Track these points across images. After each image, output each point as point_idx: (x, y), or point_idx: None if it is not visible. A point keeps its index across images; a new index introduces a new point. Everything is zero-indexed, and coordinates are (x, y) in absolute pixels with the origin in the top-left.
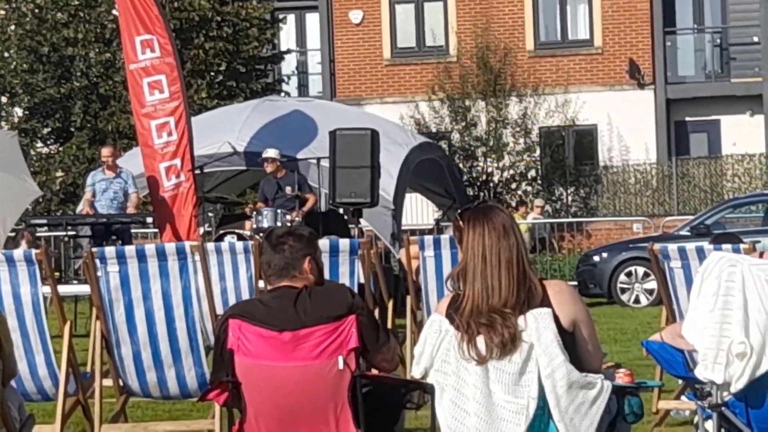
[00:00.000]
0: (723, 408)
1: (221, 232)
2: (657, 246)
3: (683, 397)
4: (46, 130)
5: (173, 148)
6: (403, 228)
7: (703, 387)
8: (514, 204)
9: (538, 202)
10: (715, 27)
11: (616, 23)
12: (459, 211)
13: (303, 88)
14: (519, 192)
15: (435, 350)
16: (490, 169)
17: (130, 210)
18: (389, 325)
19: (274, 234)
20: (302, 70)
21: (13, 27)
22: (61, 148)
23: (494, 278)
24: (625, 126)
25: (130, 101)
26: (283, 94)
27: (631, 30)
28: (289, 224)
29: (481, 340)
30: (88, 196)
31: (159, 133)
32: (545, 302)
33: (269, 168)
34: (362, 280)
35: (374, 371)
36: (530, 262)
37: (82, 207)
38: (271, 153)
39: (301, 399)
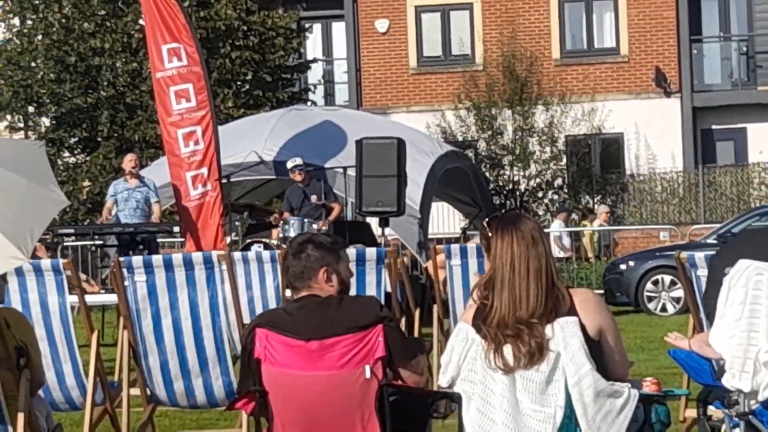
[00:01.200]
0: (750, 416)
1: (248, 241)
2: (684, 254)
3: (710, 406)
4: (73, 140)
5: (200, 157)
6: (429, 237)
7: (730, 395)
8: (539, 212)
9: (603, 208)
10: (742, 35)
11: (642, 31)
12: (487, 219)
13: (329, 97)
14: (545, 201)
15: (462, 359)
16: (516, 178)
17: (154, 220)
18: (416, 334)
19: (296, 240)
20: (328, 79)
21: (40, 37)
22: (88, 158)
23: (522, 289)
24: (652, 134)
25: (157, 110)
26: (309, 103)
27: (658, 38)
28: (293, 238)
29: (507, 350)
30: (109, 205)
31: (186, 142)
32: (572, 311)
33: (297, 177)
34: (389, 289)
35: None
36: (558, 271)
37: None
38: (297, 161)
39: (328, 408)
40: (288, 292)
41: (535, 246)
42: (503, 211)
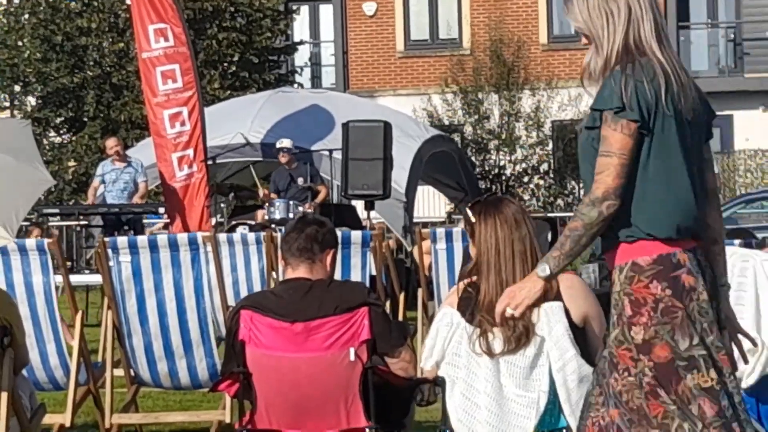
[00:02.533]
0: None
1: (233, 223)
2: None
3: None
4: (59, 120)
5: (186, 138)
6: (414, 220)
7: None
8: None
9: None
10: (729, 22)
11: None
12: (469, 204)
13: (316, 80)
14: (531, 185)
15: (446, 343)
16: (502, 163)
17: (136, 200)
18: (400, 318)
19: (308, 217)
20: (315, 62)
21: (26, 16)
22: (73, 138)
23: (508, 272)
24: None
25: (143, 91)
26: (296, 85)
27: None
28: (302, 215)
29: (493, 335)
30: (96, 185)
31: (172, 123)
32: (557, 296)
33: (283, 159)
34: (374, 273)
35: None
36: (542, 254)
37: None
38: (285, 143)
39: (312, 390)
40: (274, 274)
41: (518, 228)
42: (486, 195)
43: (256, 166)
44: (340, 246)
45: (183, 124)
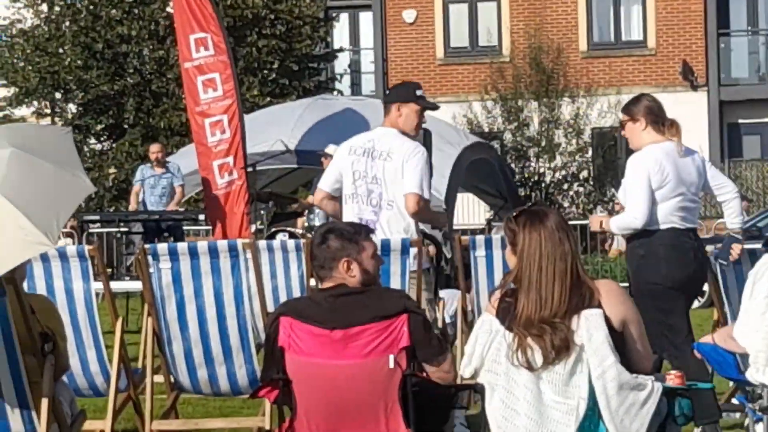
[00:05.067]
0: None
1: (273, 229)
2: (709, 248)
3: (734, 400)
4: (99, 127)
5: (226, 145)
6: (454, 228)
7: (754, 389)
8: (564, 204)
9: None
10: None
11: (669, 24)
12: (513, 213)
13: (356, 87)
14: (571, 193)
15: (486, 350)
16: (542, 170)
17: (172, 206)
18: (440, 324)
19: (320, 230)
20: (355, 69)
21: (67, 23)
22: (113, 145)
23: (548, 289)
24: None
25: (183, 99)
26: (335, 92)
27: (685, 31)
28: (319, 227)
29: (532, 349)
30: (136, 189)
31: (212, 131)
32: (596, 303)
33: (326, 165)
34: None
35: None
36: (582, 265)
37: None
38: (331, 149)
39: (352, 397)
40: (312, 281)
41: (562, 245)
42: (529, 204)
43: (298, 173)
44: (379, 252)
45: (223, 132)
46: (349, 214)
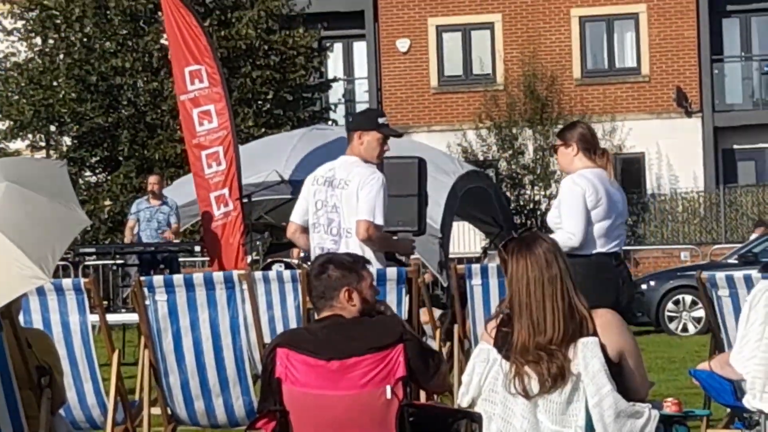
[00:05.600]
0: None
1: (269, 260)
2: (705, 274)
3: (732, 427)
4: (94, 159)
5: (222, 177)
6: (450, 256)
7: (751, 416)
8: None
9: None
10: (763, 54)
11: (663, 51)
12: (503, 242)
13: (350, 117)
14: None
15: (483, 379)
16: (537, 197)
17: (168, 235)
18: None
19: (317, 261)
20: (349, 99)
21: (61, 56)
22: (108, 177)
23: (539, 313)
24: (673, 154)
25: (178, 130)
26: (330, 122)
27: (679, 58)
28: (317, 257)
29: (528, 377)
30: (131, 224)
31: (209, 163)
32: (593, 332)
33: None
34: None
35: (422, 395)
36: (576, 291)
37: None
38: None
39: (349, 428)
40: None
41: (549, 268)
42: (520, 231)
43: (293, 203)
44: (375, 282)
45: (219, 163)
46: (313, 244)
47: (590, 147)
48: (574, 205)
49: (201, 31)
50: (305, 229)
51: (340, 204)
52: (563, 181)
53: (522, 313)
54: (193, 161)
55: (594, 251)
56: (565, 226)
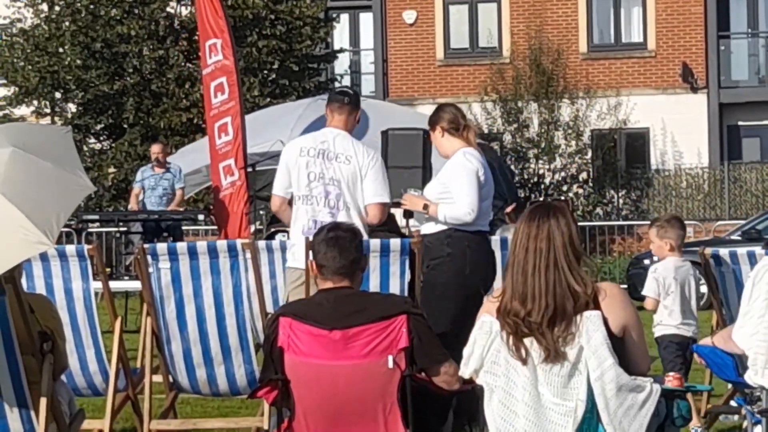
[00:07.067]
0: None
1: (272, 230)
2: (708, 250)
3: (732, 402)
4: (98, 126)
5: (229, 147)
6: None
7: (752, 392)
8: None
9: None
10: None
11: (669, 27)
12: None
13: (356, 88)
14: (570, 194)
15: (485, 351)
16: (541, 171)
17: (172, 207)
18: None
19: (340, 232)
20: (355, 70)
21: (67, 23)
22: (113, 144)
23: (519, 277)
24: (678, 130)
25: (184, 99)
26: None
27: (685, 33)
28: (332, 226)
29: (526, 343)
30: (136, 191)
31: (219, 134)
32: (595, 305)
33: None
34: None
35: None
36: (571, 265)
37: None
38: None
39: (351, 397)
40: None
41: (536, 239)
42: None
43: None
44: (379, 253)
45: (227, 133)
46: (302, 216)
47: (454, 126)
48: (472, 181)
49: (220, 4)
50: (289, 202)
51: (341, 177)
52: (453, 157)
53: (509, 276)
54: (210, 134)
55: (479, 228)
56: (464, 201)
